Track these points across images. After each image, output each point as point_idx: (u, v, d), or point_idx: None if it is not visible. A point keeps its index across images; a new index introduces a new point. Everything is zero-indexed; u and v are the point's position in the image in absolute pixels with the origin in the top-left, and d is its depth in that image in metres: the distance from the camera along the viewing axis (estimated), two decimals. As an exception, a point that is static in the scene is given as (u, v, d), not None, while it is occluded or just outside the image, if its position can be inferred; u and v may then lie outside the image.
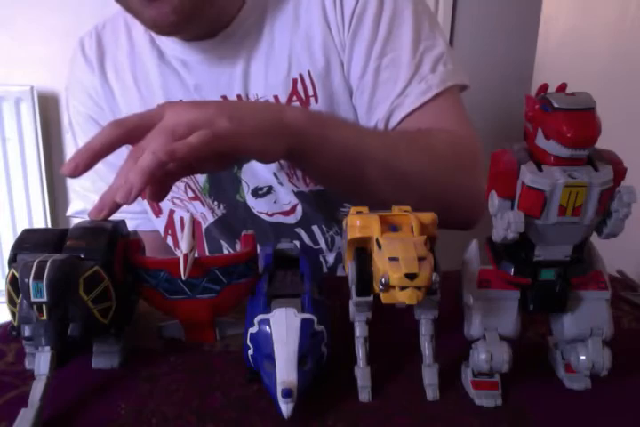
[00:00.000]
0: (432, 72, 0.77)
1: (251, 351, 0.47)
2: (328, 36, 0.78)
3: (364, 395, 0.48)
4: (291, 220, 0.85)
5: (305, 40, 0.79)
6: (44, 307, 0.44)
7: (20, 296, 0.45)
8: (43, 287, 0.43)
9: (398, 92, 0.77)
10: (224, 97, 0.81)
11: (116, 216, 0.57)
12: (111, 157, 0.55)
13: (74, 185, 0.92)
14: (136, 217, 0.91)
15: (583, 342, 0.47)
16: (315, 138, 0.61)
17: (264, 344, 0.46)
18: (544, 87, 0.43)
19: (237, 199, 0.85)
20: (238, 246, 0.86)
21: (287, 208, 0.84)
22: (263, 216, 0.85)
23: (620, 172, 0.43)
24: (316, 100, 0.80)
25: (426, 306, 0.48)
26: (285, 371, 0.44)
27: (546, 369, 0.52)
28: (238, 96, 0.81)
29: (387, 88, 0.78)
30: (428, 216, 0.48)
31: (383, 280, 0.42)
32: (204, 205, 0.86)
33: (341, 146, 0.64)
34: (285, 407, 0.43)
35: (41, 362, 0.45)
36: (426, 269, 0.42)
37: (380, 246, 0.44)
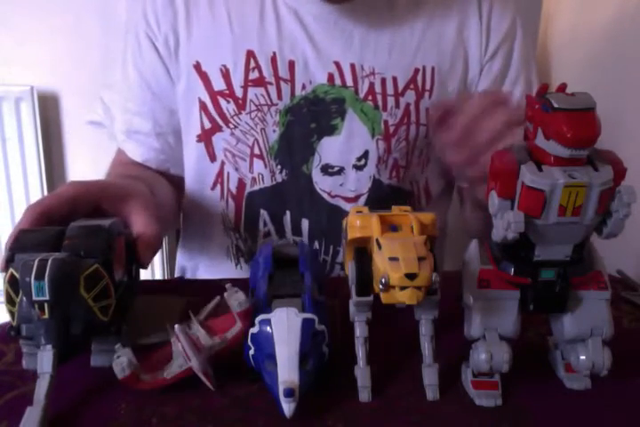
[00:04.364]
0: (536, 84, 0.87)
1: (252, 351, 0.47)
2: (465, 46, 0.83)
3: (364, 395, 0.48)
4: (349, 208, 0.84)
5: (437, 37, 0.81)
6: (45, 305, 0.44)
7: (19, 296, 0.45)
8: (45, 286, 0.43)
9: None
10: (336, 63, 0.79)
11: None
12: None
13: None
14: (165, 162, 0.88)
15: (583, 342, 0.47)
16: None
17: (265, 344, 0.46)
18: (544, 87, 0.43)
19: (303, 170, 0.82)
20: (281, 218, 0.84)
21: (351, 195, 0.83)
22: (324, 195, 0.83)
23: (619, 172, 0.43)
24: (430, 96, 0.81)
25: (426, 306, 0.48)
26: (287, 371, 0.44)
27: (546, 369, 0.52)
28: (352, 65, 0.80)
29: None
30: (428, 216, 0.48)
31: (383, 280, 0.42)
32: (265, 166, 0.83)
33: None
34: (287, 407, 0.43)
35: (44, 360, 0.45)
36: (426, 269, 0.42)
37: (380, 246, 0.44)
